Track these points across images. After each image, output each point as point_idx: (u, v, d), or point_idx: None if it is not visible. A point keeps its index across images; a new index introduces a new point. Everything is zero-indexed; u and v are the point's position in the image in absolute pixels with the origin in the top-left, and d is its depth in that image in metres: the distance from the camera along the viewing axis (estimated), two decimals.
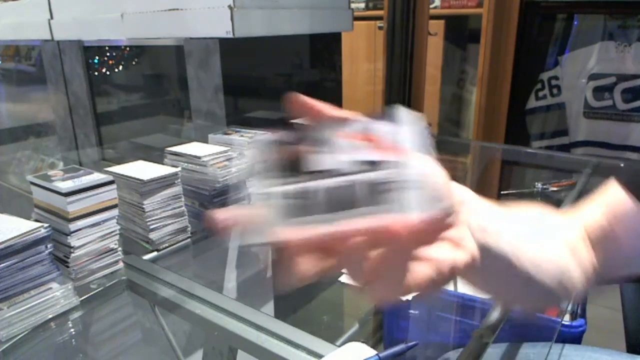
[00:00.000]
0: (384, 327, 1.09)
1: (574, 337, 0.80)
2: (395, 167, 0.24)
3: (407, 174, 0.24)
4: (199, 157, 0.87)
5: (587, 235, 0.43)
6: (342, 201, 0.24)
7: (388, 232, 0.22)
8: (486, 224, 0.33)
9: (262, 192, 0.26)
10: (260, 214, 0.25)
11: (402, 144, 0.25)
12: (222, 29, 1.01)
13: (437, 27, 2.16)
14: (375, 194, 0.24)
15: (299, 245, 0.24)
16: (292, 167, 0.26)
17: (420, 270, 0.27)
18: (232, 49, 1.11)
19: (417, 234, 0.23)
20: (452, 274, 0.28)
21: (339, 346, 0.54)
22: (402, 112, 0.26)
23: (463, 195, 0.32)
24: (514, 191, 1.39)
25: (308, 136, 0.27)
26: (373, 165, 0.25)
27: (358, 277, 0.26)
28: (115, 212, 0.74)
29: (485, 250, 0.32)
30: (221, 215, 0.26)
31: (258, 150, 0.28)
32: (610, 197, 0.44)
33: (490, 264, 0.33)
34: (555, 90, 1.87)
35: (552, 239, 0.40)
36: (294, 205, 0.25)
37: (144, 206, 0.79)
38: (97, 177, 0.73)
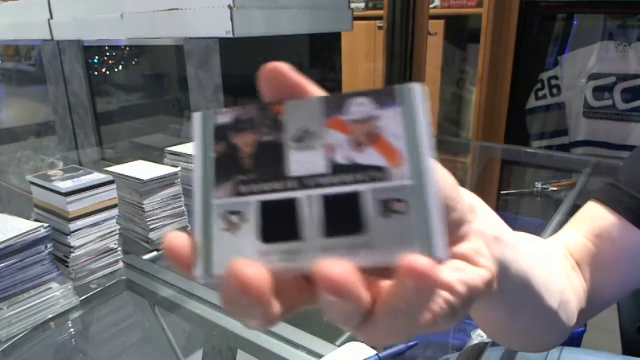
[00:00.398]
0: None
1: (572, 339, 0.80)
2: (411, 177, 0.18)
3: (427, 189, 0.17)
4: None
5: (575, 261, 0.41)
6: (340, 222, 0.18)
7: (410, 272, 0.16)
8: (500, 235, 0.27)
9: (223, 204, 0.18)
10: (221, 237, 0.18)
11: (418, 142, 0.18)
12: (222, 29, 1.01)
13: (437, 27, 2.16)
14: (385, 215, 0.17)
15: (273, 283, 0.17)
16: (262, 167, 0.19)
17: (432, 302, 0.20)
18: (232, 49, 1.11)
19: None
20: (471, 299, 0.21)
21: (339, 346, 0.54)
22: (415, 92, 0.19)
23: (472, 201, 0.26)
24: (514, 191, 1.39)
25: (285, 121, 0.19)
26: (380, 172, 0.18)
27: (350, 319, 0.18)
28: (115, 212, 0.74)
29: (504, 268, 0.26)
30: (172, 241, 0.18)
31: (204, 136, 0.19)
32: (589, 216, 0.42)
33: (507, 284, 0.27)
34: (555, 90, 1.87)
35: (549, 259, 0.38)
36: (270, 224, 0.18)
37: (144, 206, 0.79)
38: (97, 177, 0.73)
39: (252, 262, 0.16)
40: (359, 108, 0.19)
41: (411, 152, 0.18)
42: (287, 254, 0.18)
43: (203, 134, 0.20)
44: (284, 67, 0.19)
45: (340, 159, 0.18)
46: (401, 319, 0.18)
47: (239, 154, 0.19)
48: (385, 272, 0.18)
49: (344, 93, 0.19)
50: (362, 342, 0.53)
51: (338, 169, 0.18)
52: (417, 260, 0.16)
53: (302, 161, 0.18)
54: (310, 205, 0.18)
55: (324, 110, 0.19)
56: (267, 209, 0.18)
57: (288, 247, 0.18)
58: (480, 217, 0.26)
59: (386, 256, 0.17)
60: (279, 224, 0.18)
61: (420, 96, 0.19)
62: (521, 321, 0.33)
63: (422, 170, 0.18)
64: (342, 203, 0.18)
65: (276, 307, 0.18)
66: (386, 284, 0.18)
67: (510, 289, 0.28)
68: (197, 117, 0.20)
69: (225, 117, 0.20)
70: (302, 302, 0.19)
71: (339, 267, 0.16)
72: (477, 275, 0.22)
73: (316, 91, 0.20)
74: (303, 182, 0.18)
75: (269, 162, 0.19)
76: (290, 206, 0.18)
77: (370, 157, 0.18)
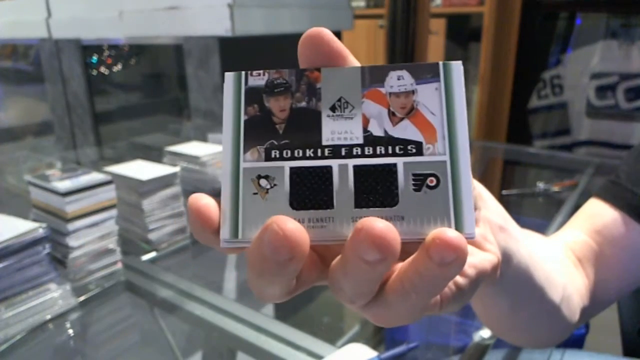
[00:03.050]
0: (384, 328, 1.09)
1: (574, 341, 0.79)
2: (445, 153, 0.18)
3: (460, 166, 0.18)
4: (199, 157, 0.87)
5: (576, 258, 0.41)
6: (372, 193, 0.17)
7: (440, 245, 0.16)
8: (505, 225, 0.27)
9: (254, 167, 0.18)
10: (250, 201, 0.18)
11: (454, 119, 0.18)
12: (221, 27, 1.00)
13: (438, 26, 2.15)
14: (417, 188, 0.17)
15: (305, 250, 0.16)
16: (295, 133, 0.18)
17: None
18: (232, 49, 1.11)
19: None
20: (478, 282, 0.22)
21: (340, 347, 0.53)
22: (455, 70, 0.19)
23: (480, 190, 0.27)
24: (515, 191, 1.38)
25: (322, 88, 0.19)
26: (415, 146, 0.18)
27: (363, 294, 0.18)
28: (113, 212, 0.73)
29: (507, 257, 0.27)
30: (197, 200, 0.18)
31: (235, 97, 0.19)
32: (590, 213, 0.42)
33: (509, 275, 0.28)
34: (557, 89, 1.86)
35: (551, 255, 0.37)
36: (301, 191, 0.18)
37: (143, 206, 0.79)
38: (95, 176, 0.72)
39: (291, 219, 0.16)
40: (398, 81, 0.19)
41: (447, 128, 0.18)
42: (316, 222, 0.18)
43: (234, 95, 0.19)
44: (327, 33, 0.19)
45: (376, 130, 0.18)
46: (414, 297, 0.17)
47: (271, 118, 0.19)
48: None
49: (383, 64, 0.19)
50: (363, 342, 0.52)
51: (373, 141, 0.18)
52: (448, 233, 0.16)
53: (336, 130, 0.18)
54: (342, 175, 0.18)
55: (362, 80, 0.19)
56: (299, 175, 0.18)
57: (318, 215, 0.18)
58: (488, 205, 0.26)
59: (416, 229, 0.17)
60: (310, 191, 0.18)
61: (459, 74, 0.19)
62: (523, 315, 0.33)
63: (456, 147, 0.18)
64: (375, 174, 0.18)
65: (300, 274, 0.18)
66: (399, 264, 0.18)
67: (512, 280, 0.28)
68: (228, 77, 0.19)
69: (258, 79, 0.19)
70: (312, 278, 0.19)
71: (381, 223, 0.16)
72: (485, 259, 0.23)
73: (355, 61, 0.20)
74: (337, 151, 0.18)
75: (303, 129, 0.18)
76: (322, 174, 0.18)
77: (406, 130, 0.18)
